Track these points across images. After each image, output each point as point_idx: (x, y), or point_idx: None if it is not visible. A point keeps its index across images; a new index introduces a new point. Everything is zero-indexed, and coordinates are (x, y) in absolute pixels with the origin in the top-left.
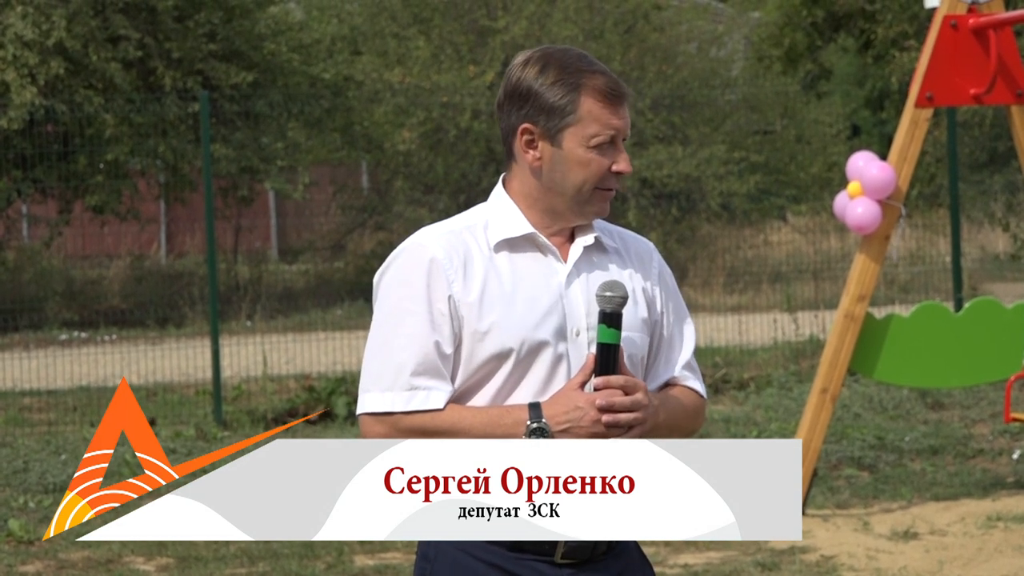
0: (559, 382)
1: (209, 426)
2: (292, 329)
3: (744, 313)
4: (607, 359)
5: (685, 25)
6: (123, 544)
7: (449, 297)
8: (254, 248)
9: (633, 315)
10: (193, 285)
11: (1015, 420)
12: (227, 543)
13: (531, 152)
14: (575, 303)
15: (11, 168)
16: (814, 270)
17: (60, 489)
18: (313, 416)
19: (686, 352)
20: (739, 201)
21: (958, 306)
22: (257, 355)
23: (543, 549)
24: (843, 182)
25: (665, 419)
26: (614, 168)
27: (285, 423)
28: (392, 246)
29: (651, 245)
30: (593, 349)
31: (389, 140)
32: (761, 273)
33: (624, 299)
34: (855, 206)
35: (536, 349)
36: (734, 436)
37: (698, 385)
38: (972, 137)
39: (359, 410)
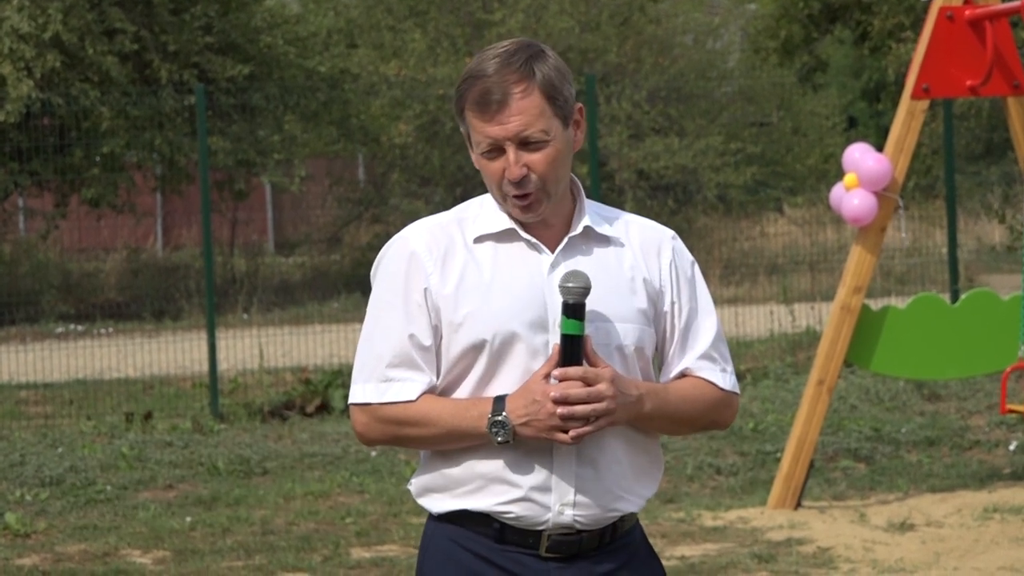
0: None
1: (206, 419)
2: (288, 322)
3: (740, 305)
4: (569, 350)
5: (681, 17)
6: (119, 537)
7: (425, 289)
8: (250, 241)
9: (627, 306)
10: (189, 278)
11: (1011, 411)
12: (224, 536)
13: (473, 154)
14: (558, 294)
15: (7, 161)
16: (810, 262)
17: (56, 482)
18: (310, 408)
19: (702, 343)
20: (735, 193)
21: (954, 298)
22: (253, 348)
23: (527, 542)
24: (839, 174)
25: (656, 409)
26: (505, 175)
27: (282, 416)
28: (388, 238)
29: (667, 235)
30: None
31: (385, 133)
32: (757, 265)
33: (585, 289)
34: (851, 198)
35: (510, 340)
36: (730, 428)
37: (716, 376)
38: (968, 128)
39: (348, 400)
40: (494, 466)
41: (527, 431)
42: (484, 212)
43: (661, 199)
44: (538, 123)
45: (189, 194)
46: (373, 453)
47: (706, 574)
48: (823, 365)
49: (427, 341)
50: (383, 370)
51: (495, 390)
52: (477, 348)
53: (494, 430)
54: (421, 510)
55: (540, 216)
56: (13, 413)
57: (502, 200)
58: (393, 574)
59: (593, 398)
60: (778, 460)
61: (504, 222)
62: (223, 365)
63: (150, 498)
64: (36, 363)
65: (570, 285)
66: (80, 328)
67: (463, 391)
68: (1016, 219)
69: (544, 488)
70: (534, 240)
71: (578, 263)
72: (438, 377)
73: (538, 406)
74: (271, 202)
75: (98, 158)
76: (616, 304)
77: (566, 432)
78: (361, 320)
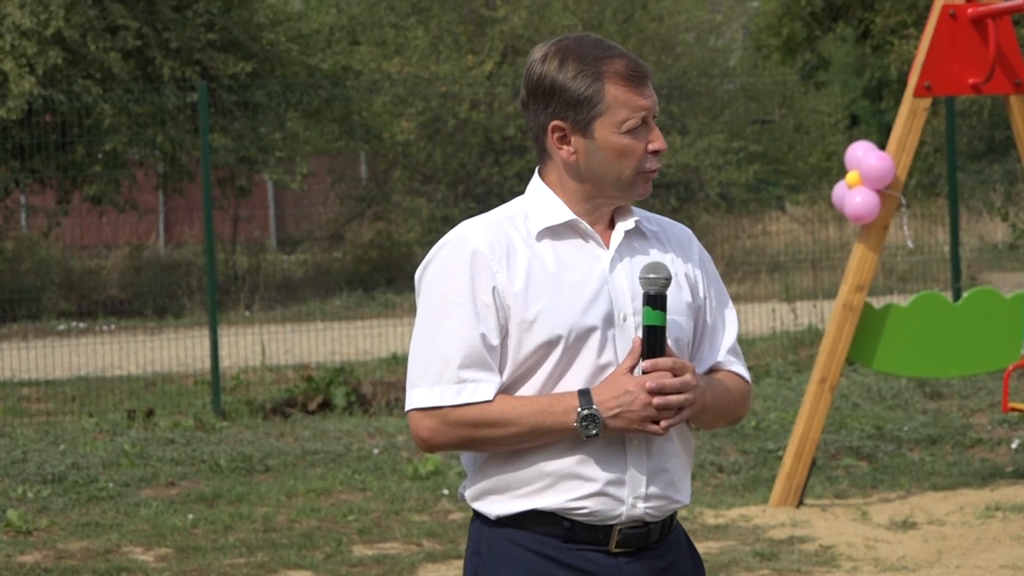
0: (607, 367)
1: (208, 416)
2: (290, 319)
3: (743, 303)
4: (654, 342)
5: (684, 15)
6: (121, 534)
7: (493, 288)
8: (252, 238)
9: (678, 299)
10: (191, 275)
11: (1013, 410)
12: (226, 533)
13: (565, 148)
14: (620, 288)
15: (9, 158)
16: (813, 260)
17: (58, 479)
18: (312, 406)
19: (729, 337)
20: (738, 191)
21: (957, 296)
22: (255, 345)
23: (597, 539)
24: (842, 172)
25: (711, 402)
26: (650, 148)
27: (284, 413)
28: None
29: (690, 231)
30: (639, 333)
31: (387, 130)
32: (760, 263)
33: (668, 280)
34: (853, 196)
35: (584, 335)
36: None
37: (743, 370)
38: (970, 127)
39: (407, 406)
40: (566, 463)
41: (617, 423)
42: (536, 209)
43: (663, 197)
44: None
45: (191, 191)
46: (375, 451)
47: (708, 572)
48: (825, 363)
49: (495, 341)
50: (454, 371)
51: (567, 385)
52: (552, 344)
53: (585, 424)
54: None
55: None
56: (15, 410)
57: (629, 183)
58: (395, 571)
59: (684, 388)
60: (780, 458)
61: (565, 214)
62: (225, 362)
63: (152, 495)
64: (38, 360)
65: (652, 276)
66: (82, 325)
67: (531, 387)
68: (1019, 217)
69: (619, 482)
70: (594, 234)
71: (634, 259)
72: (501, 376)
73: (631, 397)
74: (273, 199)
75: (100, 155)
76: (669, 298)
77: (656, 423)
78: (363, 317)
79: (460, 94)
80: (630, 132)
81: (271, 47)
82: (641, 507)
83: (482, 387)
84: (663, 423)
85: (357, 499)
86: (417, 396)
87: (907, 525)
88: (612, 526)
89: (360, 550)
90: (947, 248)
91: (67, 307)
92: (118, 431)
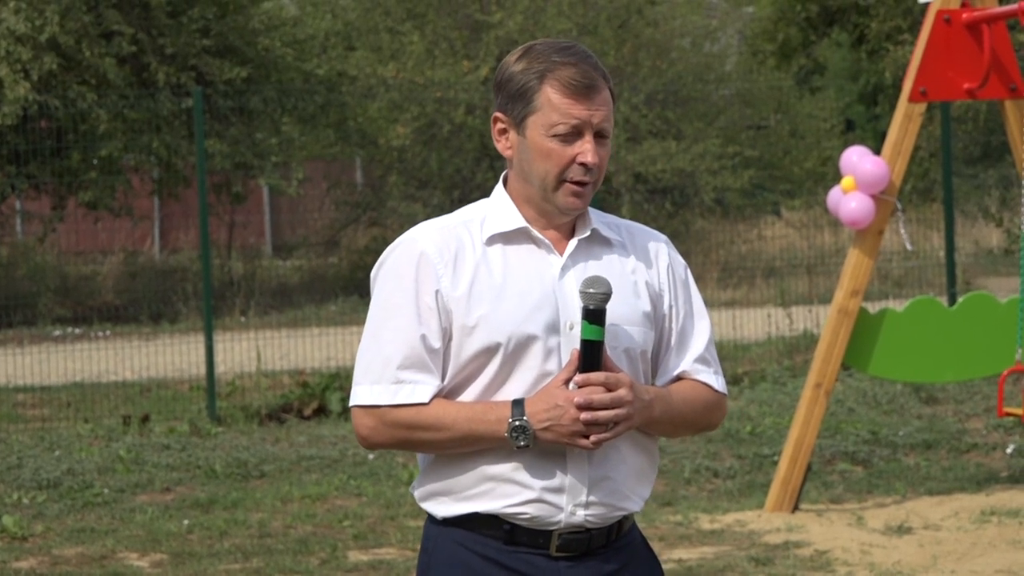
0: (552, 375)
1: (203, 422)
2: (286, 325)
3: (738, 308)
4: (590, 356)
5: (679, 20)
6: (117, 540)
7: (436, 291)
8: (248, 244)
9: (633, 308)
10: (187, 281)
11: (1008, 415)
12: (221, 539)
13: (503, 141)
14: (568, 296)
15: (4, 164)
16: (808, 265)
17: (54, 485)
18: (307, 411)
19: (698, 346)
20: (733, 196)
21: (952, 301)
22: (251, 351)
23: (537, 543)
24: (837, 177)
25: (663, 413)
26: (578, 159)
27: (279, 419)
28: (386, 241)
29: (663, 239)
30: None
31: (383, 136)
32: (755, 268)
33: (607, 295)
34: (848, 201)
35: (525, 344)
36: (728, 431)
37: (712, 379)
38: (965, 132)
39: (351, 402)
40: (505, 468)
41: (548, 436)
42: (492, 213)
43: (658, 202)
44: (610, 119)
45: (186, 197)
46: (371, 456)
47: None
48: (820, 368)
49: (436, 343)
50: (393, 372)
51: (508, 393)
52: (491, 351)
53: (515, 435)
54: (419, 513)
55: (584, 208)
56: (10, 416)
57: (552, 189)
58: None
59: (615, 403)
60: (775, 463)
61: (517, 221)
62: (220, 368)
63: (147, 501)
64: (33, 366)
65: (592, 291)
66: (77, 331)
67: (472, 393)
68: (1013, 222)
69: (557, 489)
70: (546, 241)
71: (588, 266)
72: (443, 380)
73: (561, 411)
74: (268, 205)
75: (95, 161)
76: (623, 307)
77: (586, 437)
78: (359, 323)
79: (455, 99)
80: (558, 137)
81: (266, 53)
82: (581, 514)
83: (419, 389)
84: (592, 438)
85: (352, 505)
86: (358, 393)
87: (902, 530)
88: (552, 531)
89: (355, 556)
90: (942, 253)
91: (62, 313)
92: (113, 437)
